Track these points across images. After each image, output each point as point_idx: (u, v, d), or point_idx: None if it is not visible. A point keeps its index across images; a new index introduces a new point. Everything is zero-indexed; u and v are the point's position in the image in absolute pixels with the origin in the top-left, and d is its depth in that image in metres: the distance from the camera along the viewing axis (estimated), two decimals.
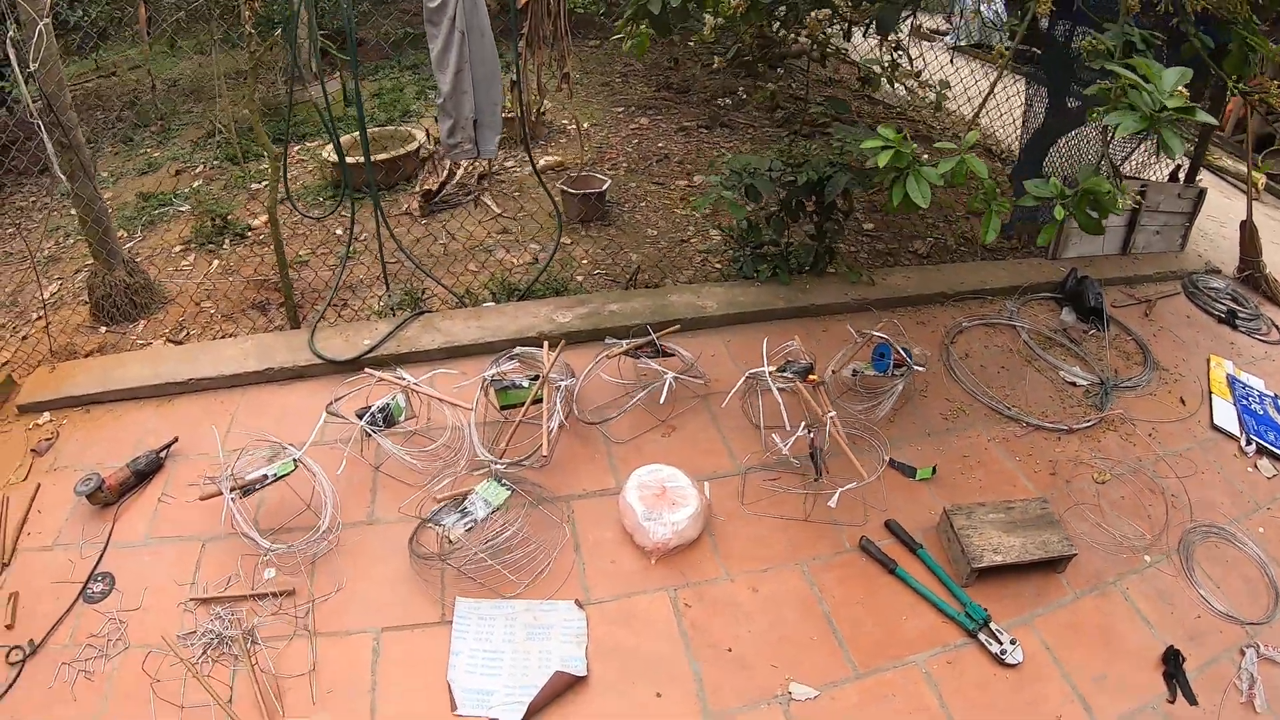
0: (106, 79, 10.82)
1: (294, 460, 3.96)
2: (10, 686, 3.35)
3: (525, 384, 4.45)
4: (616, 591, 3.77)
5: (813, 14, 6.08)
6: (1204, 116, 3.15)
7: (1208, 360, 5.70)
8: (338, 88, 9.38)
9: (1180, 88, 3.06)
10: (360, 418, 4.24)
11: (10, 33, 4.42)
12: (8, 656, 3.47)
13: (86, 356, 5.31)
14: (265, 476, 3.88)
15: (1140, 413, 5.13)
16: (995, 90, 3.99)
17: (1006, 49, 3.69)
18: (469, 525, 3.73)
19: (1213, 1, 3.82)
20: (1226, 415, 5.20)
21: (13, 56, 4.44)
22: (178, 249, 6.69)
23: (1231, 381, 5.49)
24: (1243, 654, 3.76)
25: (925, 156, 3.62)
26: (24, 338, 5.60)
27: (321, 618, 3.62)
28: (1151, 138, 3.14)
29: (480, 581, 3.73)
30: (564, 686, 3.35)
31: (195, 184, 7.81)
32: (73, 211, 7.09)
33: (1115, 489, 4.55)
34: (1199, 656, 3.72)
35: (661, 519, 3.85)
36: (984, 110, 7.53)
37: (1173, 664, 3.65)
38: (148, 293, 5.81)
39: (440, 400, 4.45)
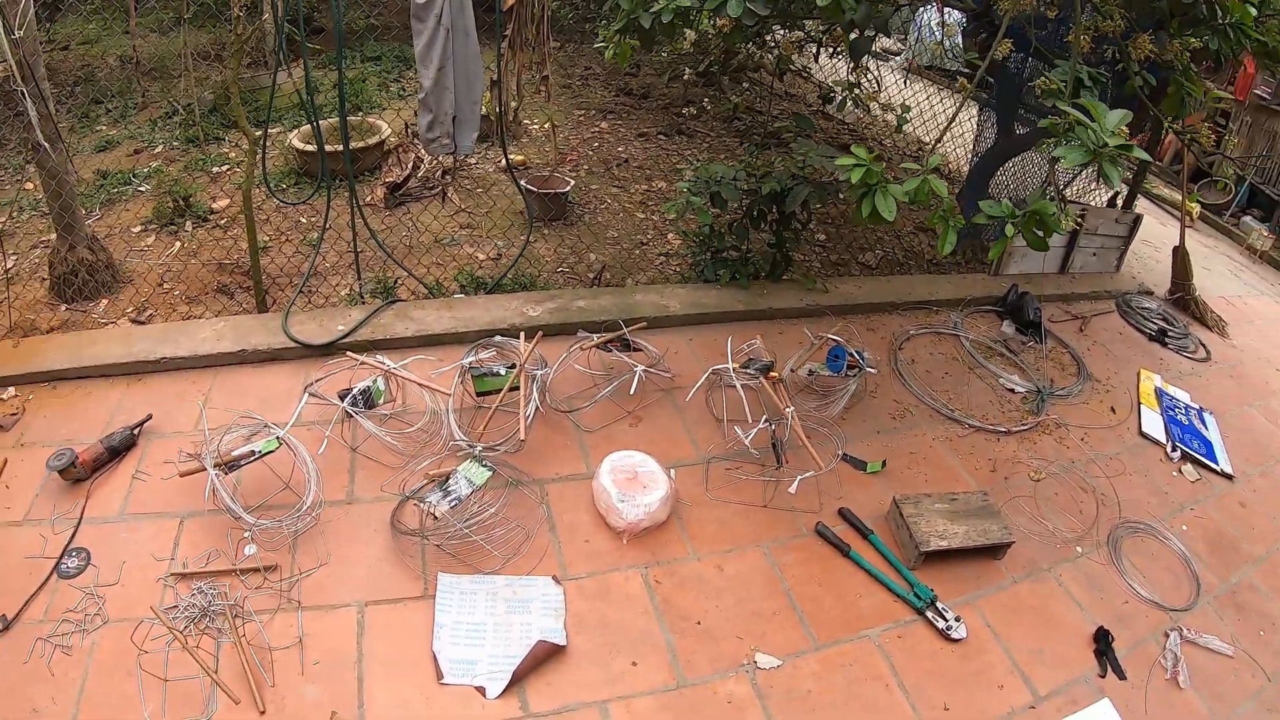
0: (60, 53, 10.66)
1: (277, 439, 4.04)
2: None
3: (502, 372, 4.61)
4: (592, 569, 3.96)
5: (786, 36, 6.30)
6: (1140, 154, 3.42)
7: (1138, 374, 6.02)
8: (298, 75, 9.36)
9: (1122, 126, 3.34)
10: (342, 399, 4.36)
11: None
12: None
13: (48, 333, 5.27)
14: (252, 453, 3.96)
15: (1074, 419, 5.44)
16: (954, 118, 4.25)
17: (970, 82, 3.94)
18: (453, 503, 3.89)
19: (1156, 50, 4.11)
20: (1154, 424, 5.52)
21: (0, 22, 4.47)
22: (137, 229, 6.63)
23: (1160, 394, 5.80)
24: (1167, 636, 4.08)
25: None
26: None
27: (306, 592, 3.71)
28: (1094, 168, 3.41)
29: (460, 558, 3.89)
30: (545, 655, 3.52)
31: (154, 164, 7.72)
32: (28, 185, 7.07)
33: (1050, 486, 4.86)
34: (1127, 638, 4.03)
35: (634, 501, 4.06)
36: (924, 130, 7.85)
37: (1103, 643, 3.95)
38: (109, 272, 5.75)
39: (420, 385, 4.56)
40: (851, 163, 3.64)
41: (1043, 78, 3.95)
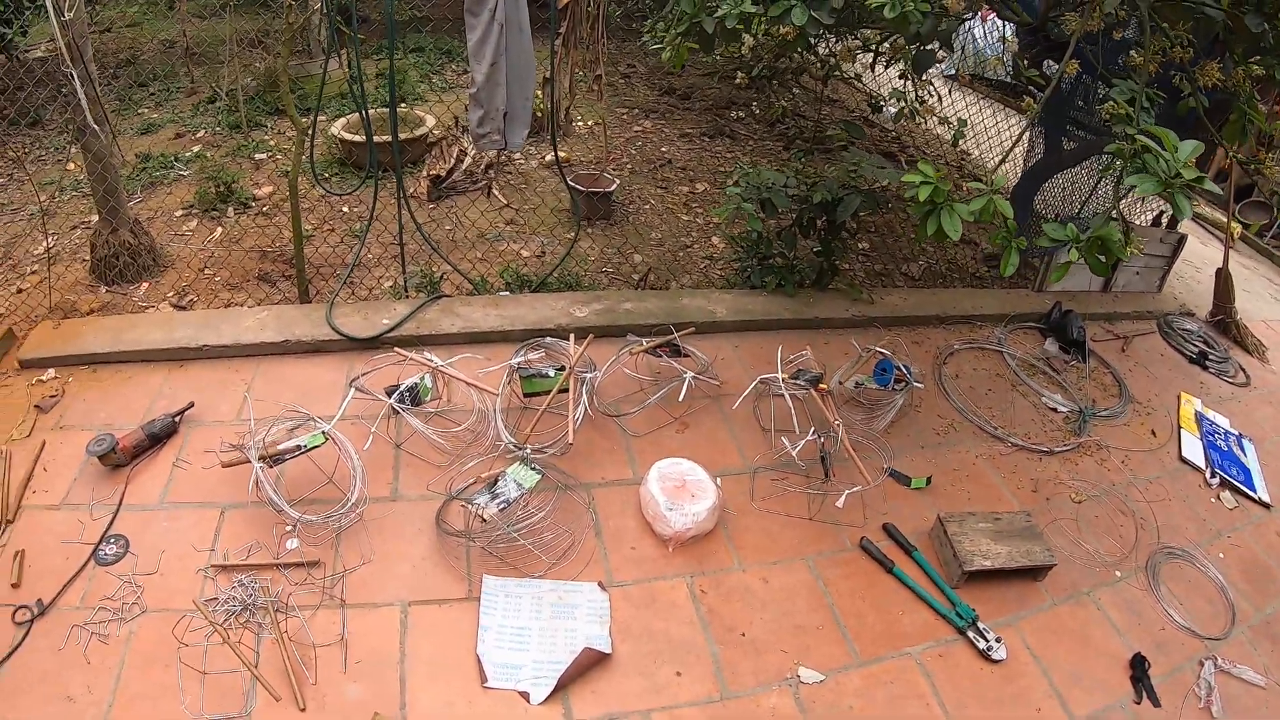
0: (102, 35, 10.69)
1: (323, 433, 4.04)
2: (17, 647, 3.35)
3: (551, 374, 4.61)
4: (638, 576, 3.96)
5: (844, 44, 6.28)
6: (1212, 187, 3.39)
7: (1178, 397, 5.96)
8: (337, 66, 9.37)
9: (1193, 157, 3.31)
10: (388, 395, 4.38)
11: None
12: (14, 616, 3.45)
13: (88, 315, 5.28)
14: (298, 447, 3.96)
15: (1114, 441, 5.40)
16: (1020, 139, 4.22)
17: (1035, 101, 3.90)
18: (502, 505, 3.89)
19: (1221, 79, 4.07)
20: (1194, 449, 5.47)
21: (50, 1, 4.45)
22: (179, 213, 6.65)
23: (1200, 418, 5.76)
24: (1202, 665, 4.05)
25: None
26: (18, 291, 5.54)
27: (349, 589, 3.71)
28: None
29: (506, 560, 3.88)
30: (591, 663, 3.52)
31: (196, 149, 7.76)
32: (70, 166, 7.10)
33: (1090, 509, 4.81)
34: (1163, 665, 4.00)
35: (682, 509, 4.05)
36: (970, 141, 7.79)
37: (1139, 669, 3.93)
38: (150, 255, 5.78)
39: (468, 384, 4.55)
40: (919, 180, 3.62)
41: (1110, 101, 3.91)
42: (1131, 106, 3.78)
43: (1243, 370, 6.64)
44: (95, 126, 4.98)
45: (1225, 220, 7.86)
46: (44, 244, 5.96)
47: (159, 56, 10.04)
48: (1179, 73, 4.20)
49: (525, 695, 3.40)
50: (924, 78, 5.96)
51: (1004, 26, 7.09)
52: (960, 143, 6.63)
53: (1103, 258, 3.64)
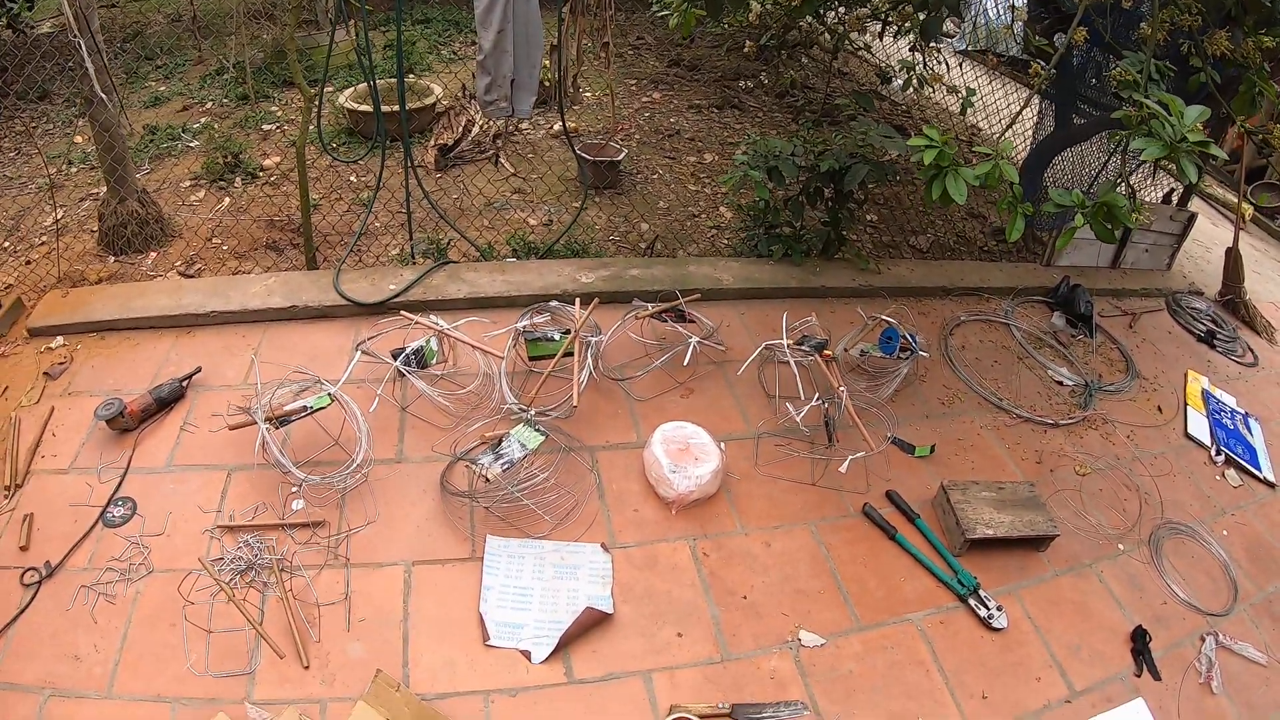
0: (108, 9, 10.70)
1: (329, 395, 4.07)
2: (25, 608, 3.39)
3: (556, 337, 4.62)
4: (640, 538, 3.97)
5: (855, 13, 6.26)
6: (1218, 151, 3.37)
7: (1185, 374, 5.94)
8: (344, 36, 9.37)
9: (1199, 122, 3.30)
10: (395, 358, 4.39)
11: None
12: (22, 578, 3.50)
13: (96, 284, 5.32)
14: (304, 408, 3.98)
15: (1120, 416, 5.38)
16: (1026, 106, 4.20)
17: (1043, 69, 3.88)
18: (505, 466, 3.90)
19: (1230, 48, 4.05)
20: (1200, 426, 5.45)
21: None
22: (186, 184, 6.68)
23: (1206, 396, 5.74)
24: (1203, 640, 4.04)
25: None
26: (27, 262, 5.58)
27: (353, 549, 3.74)
28: (1152, 164, 3.37)
29: (509, 521, 3.91)
30: (592, 622, 3.54)
31: (204, 120, 7.79)
32: (77, 139, 7.13)
33: (1094, 482, 4.81)
34: (1164, 639, 4.00)
35: (686, 472, 4.06)
36: (978, 114, 7.76)
37: (1140, 642, 3.93)
38: (158, 225, 5.80)
39: (474, 347, 4.58)
40: (924, 143, 3.61)
41: (1117, 68, 3.89)
42: (1141, 75, 3.76)
43: (1251, 350, 6.61)
44: (103, 96, 4.98)
45: (1236, 201, 7.82)
46: (53, 216, 6.00)
47: (165, 29, 10.05)
48: (1187, 40, 4.17)
49: (527, 654, 3.42)
50: (933, 47, 5.94)
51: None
52: (970, 116, 6.62)
53: (1109, 225, 3.63)
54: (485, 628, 3.48)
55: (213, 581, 3.51)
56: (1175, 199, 7.24)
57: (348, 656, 3.34)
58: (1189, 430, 5.40)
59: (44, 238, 5.87)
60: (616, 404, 4.69)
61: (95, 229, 5.77)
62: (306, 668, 3.28)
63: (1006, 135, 4.11)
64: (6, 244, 5.85)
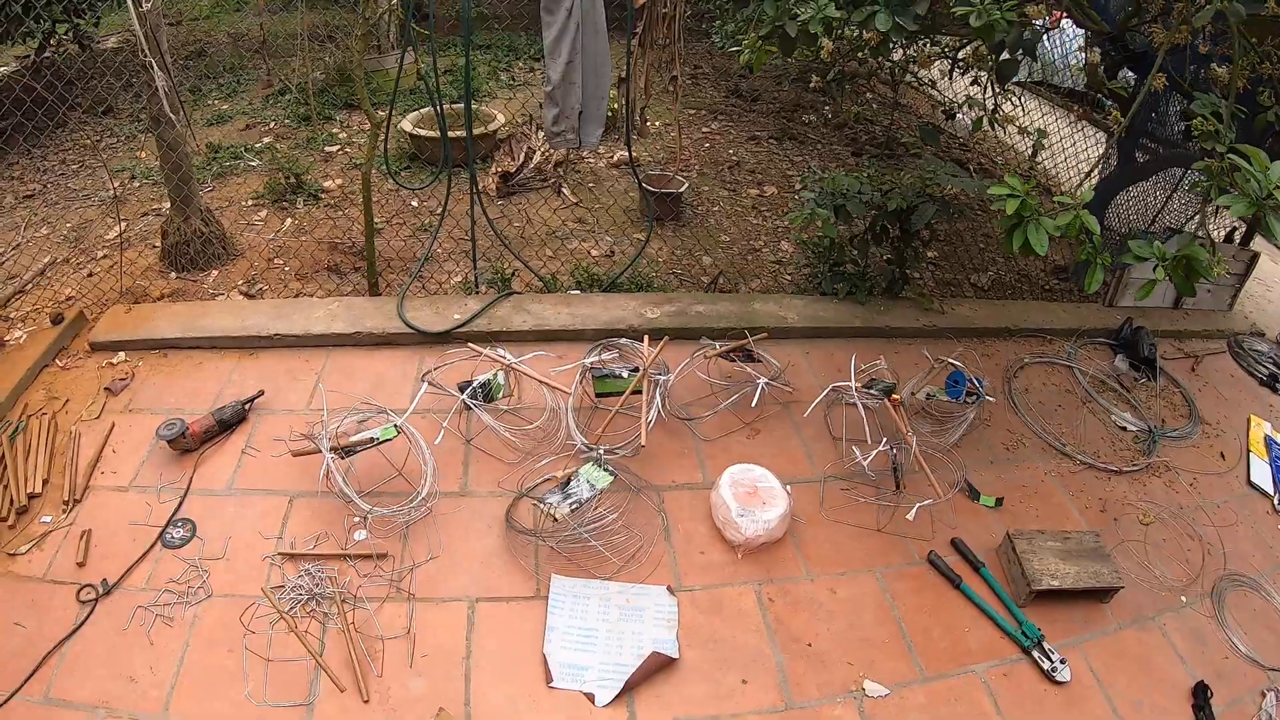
0: (172, 27, 10.87)
1: (395, 427, 4.08)
2: (81, 624, 3.43)
3: (625, 375, 4.63)
4: (706, 581, 3.95)
5: (924, 51, 6.24)
6: None
7: (1248, 420, 5.85)
8: (411, 61, 9.42)
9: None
10: (460, 391, 4.40)
11: None
12: (79, 594, 3.53)
13: (159, 300, 5.39)
14: (371, 439, 4.00)
15: (1183, 463, 5.30)
16: (1106, 154, 4.16)
17: (1124, 115, 3.85)
18: (574, 505, 3.91)
19: None
20: (1263, 474, 5.36)
21: None
22: (249, 203, 6.78)
23: (1269, 443, 5.66)
24: (1264, 696, 3.96)
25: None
26: (89, 275, 5.67)
27: (417, 584, 3.75)
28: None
29: (574, 560, 3.90)
30: (657, 667, 3.52)
31: (265, 140, 7.91)
32: (141, 154, 7.22)
33: (1157, 531, 4.73)
34: (1224, 694, 3.92)
35: (753, 516, 4.04)
36: (1044, 152, 7.71)
37: (1201, 698, 3.85)
38: (221, 244, 5.89)
39: (541, 382, 4.59)
40: (1006, 192, 3.58)
41: (1195, 115, 3.85)
42: (1218, 122, 3.72)
43: None
44: (171, 115, 5.04)
45: None
46: (116, 229, 6.06)
47: (229, 48, 10.20)
48: (1268, 89, 4.12)
49: (590, 697, 3.41)
50: (1010, 88, 5.89)
51: (1076, 33, 7.01)
52: (1025, 149, 6.57)
53: (1187, 277, 3.59)
54: (549, 668, 3.48)
55: (271, 609, 3.54)
56: (1238, 238, 7.16)
57: (409, 692, 3.34)
58: (1252, 478, 5.31)
59: (106, 251, 5.97)
60: (683, 443, 4.68)
61: (157, 245, 5.87)
62: (367, 702, 3.28)
63: (1085, 185, 4.07)
64: (70, 256, 5.94)
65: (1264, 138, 4.34)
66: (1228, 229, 7.26)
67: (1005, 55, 4.65)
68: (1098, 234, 3.59)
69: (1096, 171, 5.95)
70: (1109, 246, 3.77)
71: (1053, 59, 9.23)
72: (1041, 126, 5.76)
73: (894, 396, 4.75)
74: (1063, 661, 3.83)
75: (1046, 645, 3.88)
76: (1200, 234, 3.70)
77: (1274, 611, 4.43)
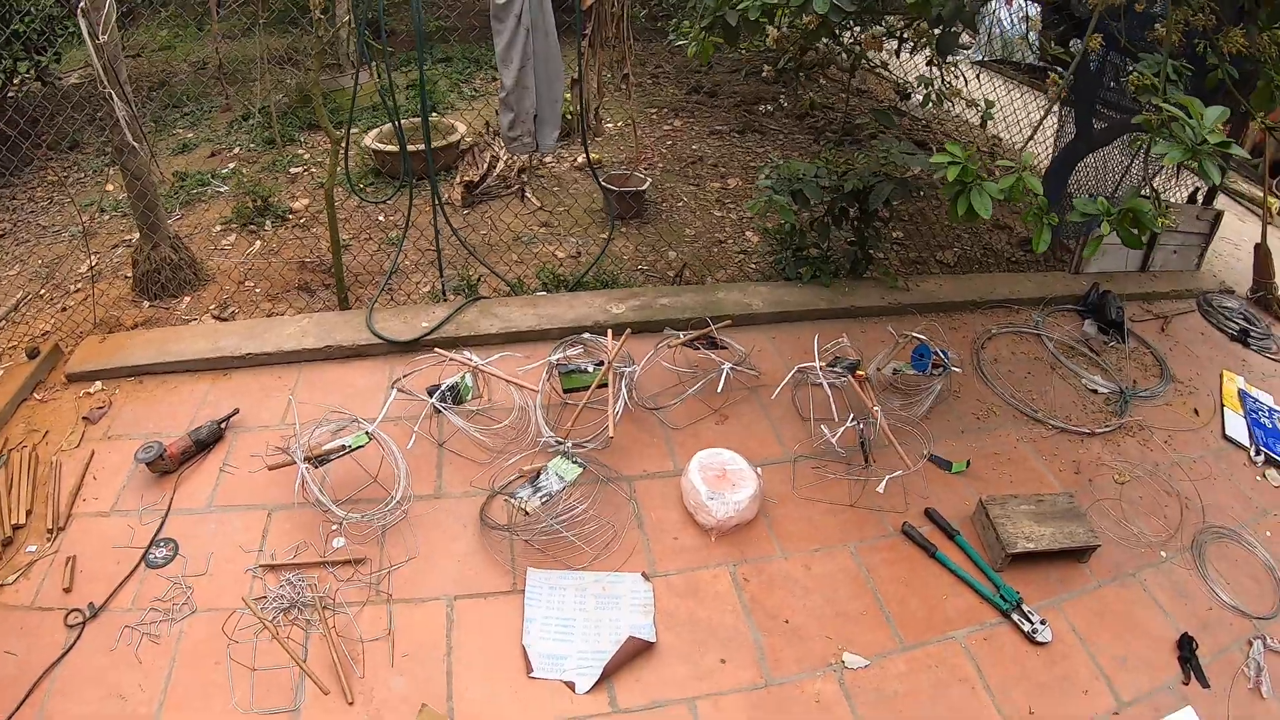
0: (134, 59, 10.87)
1: (367, 434, 4.11)
2: (70, 648, 3.44)
3: (590, 369, 4.65)
4: (680, 566, 3.98)
5: (867, 32, 6.30)
6: (1239, 152, 3.36)
7: (1221, 375, 5.91)
8: (368, 79, 9.48)
9: (1220, 123, 3.30)
10: (430, 395, 4.43)
11: (81, 4, 4.55)
12: (66, 619, 3.54)
13: (132, 329, 5.39)
14: (343, 447, 4.03)
15: (1157, 421, 5.36)
16: (1045, 117, 4.21)
17: (1060, 78, 3.90)
18: (544, 499, 3.93)
19: (1245, 44, 4.04)
20: (1237, 427, 5.43)
21: (84, 26, 4.54)
22: (217, 228, 6.79)
23: (1243, 396, 5.71)
24: (1250, 645, 4.01)
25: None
26: (63, 309, 5.68)
27: (395, 585, 3.77)
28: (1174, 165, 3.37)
29: (549, 553, 3.93)
30: (635, 652, 3.55)
31: (232, 165, 7.92)
32: (109, 187, 7.25)
33: (1134, 490, 4.78)
34: (1211, 645, 3.96)
35: (724, 498, 4.07)
36: (999, 125, 7.78)
37: (1187, 650, 3.90)
38: (191, 270, 5.89)
39: (508, 381, 4.61)
40: (947, 160, 3.63)
41: (1135, 73, 3.90)
42: (1158, 78, 3.77)
43: None
44: (134, 145, 5.06)
45: (1262, 195, 7.79)
46: (87, 263, 6.10)
47: (191, 77, 10.23)
48: (1202, 40, 4.17)
49: (571, 685, 3.44)
50: (949, 62, 5.95)
51: (1023, 5, 7.07)
52: (991, 127, 6.62)
53: (1135, 230, 3.63)
54: (529, 660, 3.50)
55: (255, 620, 3.56)
56: (1200, 198, 7.21)
57: (392, 691, 3.36)
58: (1227, 431, 5.38)
59: (79, 285, 5.98)
60: (652, 433, 4.71)
61: (129, 275, 5.87)
62: (351, 703, 3.30)
63: (1028, 147, 4.11)
64: (43, 291, 5.95)
65: (1214, 95, 4.38)
66: (1190, 189, 7.32)
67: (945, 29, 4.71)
68: (1040, 194, 3.63)
69: (1046, 138, 6.01)
70: (1068, 212, 3.80)
71: (1012, 36, 9.29)
72: (988, 97, 5.82)
73: (859, 373, 4.79)
74: (1043, 622, 3.86)
75: (1026, 607, 3.92)
76: (1145, 188, 3.75)
77: (1256, 561, 4.48)
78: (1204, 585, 4.28)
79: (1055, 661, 3.77)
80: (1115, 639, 3.93)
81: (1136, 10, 4.12)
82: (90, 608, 3.59)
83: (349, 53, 9.56)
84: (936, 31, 4.77)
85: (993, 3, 8.07)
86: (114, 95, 4.78)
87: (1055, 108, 6.82)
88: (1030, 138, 4.23)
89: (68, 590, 3.66)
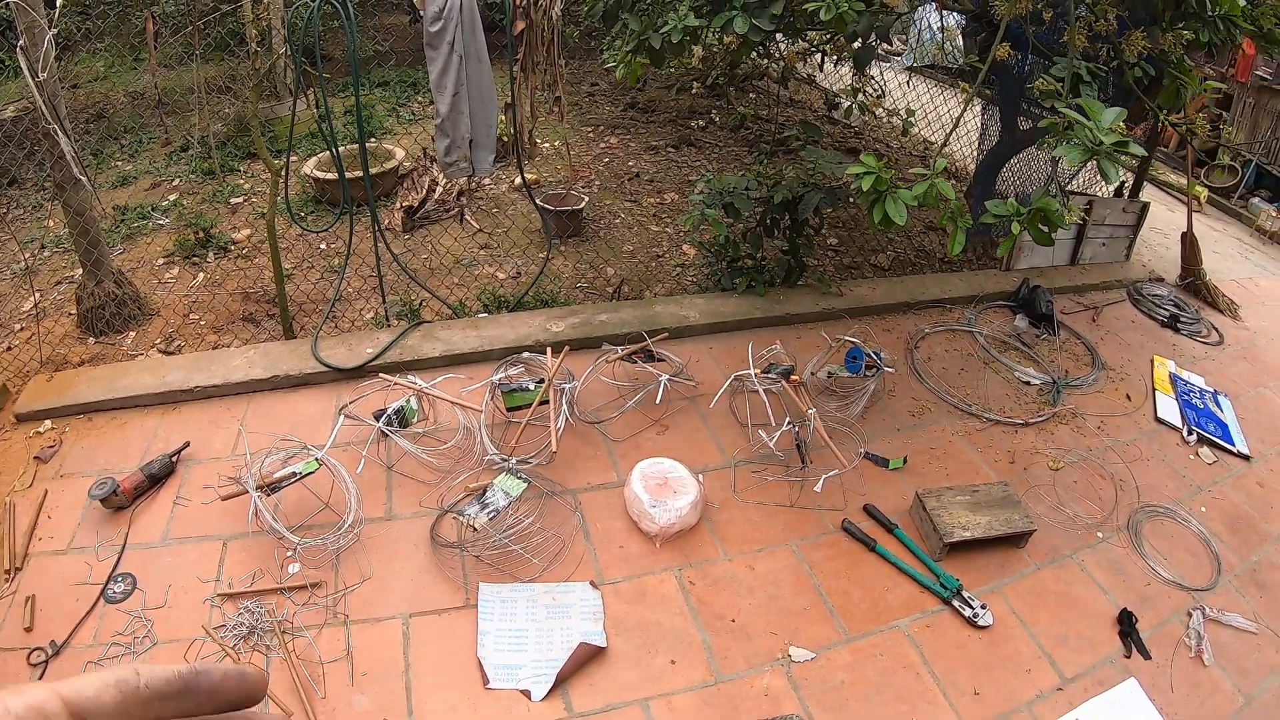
0: (70, 90, 10.78)
1: (316, 460, 4.16)
2: None
3: (531, 387, 4.73)
4: (627, 573, 4.07)
5: (790, 47, 6.43)
6: (1137, 149, 3.50)
7: (1152, 360, 6.09)
8: (305, 106, 9.48)
9: (1118, 123, 3.45)
10: (377, 420, 4.50)
11: (20, 42, 4.58)
12: (29, 658, 3.54)
13: (79, 366, 5.40)
14: (293, 475, 4.08)
15: (1089, 408, 5.53)
16: (959, 122, 4.35)
17: (970, 84, 4.04)
18: (491, 514, 4.01)
19: (1148, 45, 4.21)
20: (1169, 409, 5.60)
21: (24, 64, 4.56)
22: (160, 262, 6.77)
23: (1174, 379, 5.89)
24: (1190, 615, 4.16)
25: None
26: (8, 348, 5.67)
27: (351, 607, 3.82)
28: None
29: (499, 567, 4.00)
30: (587, 657, 3.63)
31: (173, 198, 7.89)
32: (49, 223, 7.23)
33: (1068, 475, 4.94)
34: (1151, 619, 4.11)
35: (665, 505, 4.17)
36: (930, 128, 7.95)
37: (1127, 624, 4.04)
38: (136, 304, 5.90)
39: (452, 403, 4.68)
40: (861, 170, 3.76)
41: (1040, 79, 4.05)
42: (1079, 81, 3.91)
43: (1215, 330, 6.78)
44: (82, 178, 5.09)
45: (1187, 185, 8.02)
46: (31, 300, 6.08)
47: (128, 109, 10.16)
48: (1106, 45, 4.33)
49: (527, 694, 3.51)
50: (868, 75, 6.09)
51: (946, 15, 7.24)
52: (923, 131, 6.76)
53: (1044, 228, 3.78)
54: (485, 671, 3.57)
55: (217, 648, 3.59)
56: (1127, 191, 7.41)
57: (354, 710, 3.41)
58: (1159, 414, 5.55)
59: (22, 323, 5.95)
60: (595, 446, 4.80)
61: (73, 312, 5.86)
62: None
63: (953, 149, 4.25)
64: None
65: (1131, 94, 4.56)
66: (1116, 184, 7.51)
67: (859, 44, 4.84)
68: (954, 198, 3.77)
69: (973, 141, 6.16)
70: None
71: (940, 42, 9.48)
72: (912, 106, 5.97)
73: (793, 378, 4.91)
74: (984, 607, 3.99)
75: (966, 594, 4.05)
76: (1051, 186, 3.89)
77: (1191, 535, 4.65)
78: (1141, 562, 4.43)
79: (997, 643, 3.90)
80: (1055, 619, 4.06)
81: (1044, 19, 4.27)
82: (52, 645, 3.59)
83: (286, 81, 9.59)
84: (856, 45, 4.90)
85: (920, 9, 8.26)
86: (58, 130, 4.81)
87: (976, 111, 7.00)
88: (944, 143, 4.37)
89: (29, 629, 3.67)
